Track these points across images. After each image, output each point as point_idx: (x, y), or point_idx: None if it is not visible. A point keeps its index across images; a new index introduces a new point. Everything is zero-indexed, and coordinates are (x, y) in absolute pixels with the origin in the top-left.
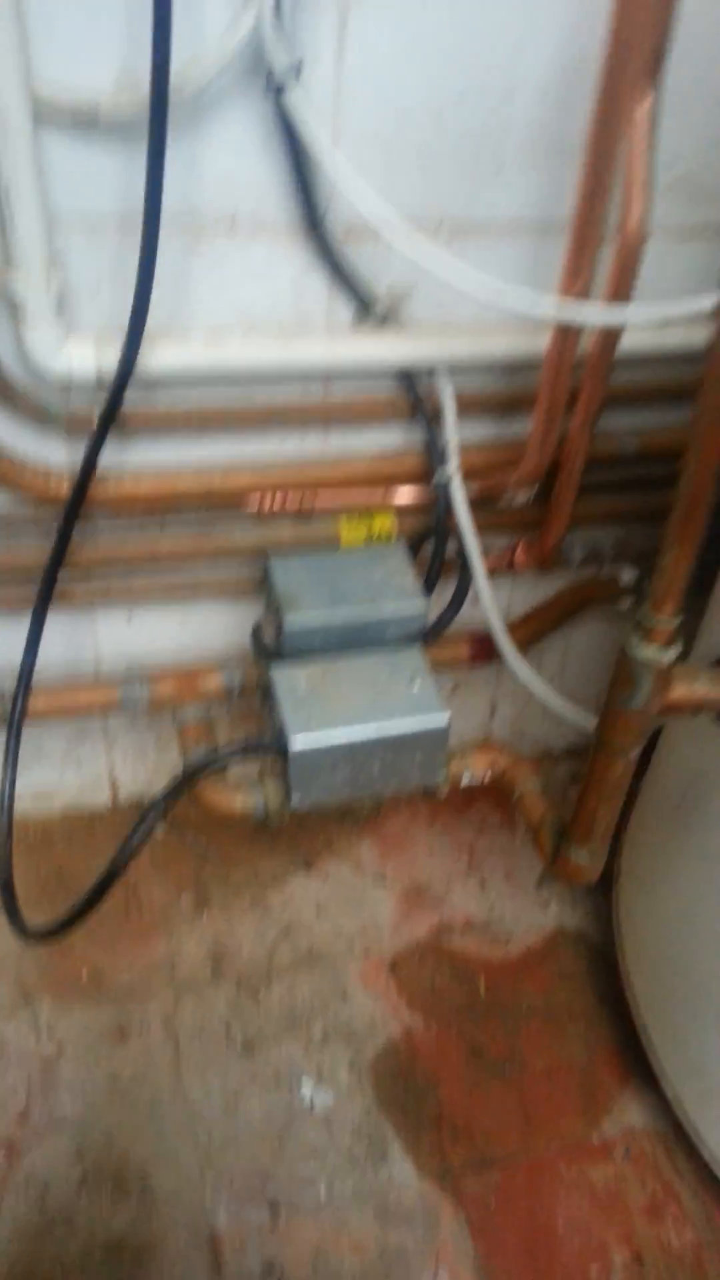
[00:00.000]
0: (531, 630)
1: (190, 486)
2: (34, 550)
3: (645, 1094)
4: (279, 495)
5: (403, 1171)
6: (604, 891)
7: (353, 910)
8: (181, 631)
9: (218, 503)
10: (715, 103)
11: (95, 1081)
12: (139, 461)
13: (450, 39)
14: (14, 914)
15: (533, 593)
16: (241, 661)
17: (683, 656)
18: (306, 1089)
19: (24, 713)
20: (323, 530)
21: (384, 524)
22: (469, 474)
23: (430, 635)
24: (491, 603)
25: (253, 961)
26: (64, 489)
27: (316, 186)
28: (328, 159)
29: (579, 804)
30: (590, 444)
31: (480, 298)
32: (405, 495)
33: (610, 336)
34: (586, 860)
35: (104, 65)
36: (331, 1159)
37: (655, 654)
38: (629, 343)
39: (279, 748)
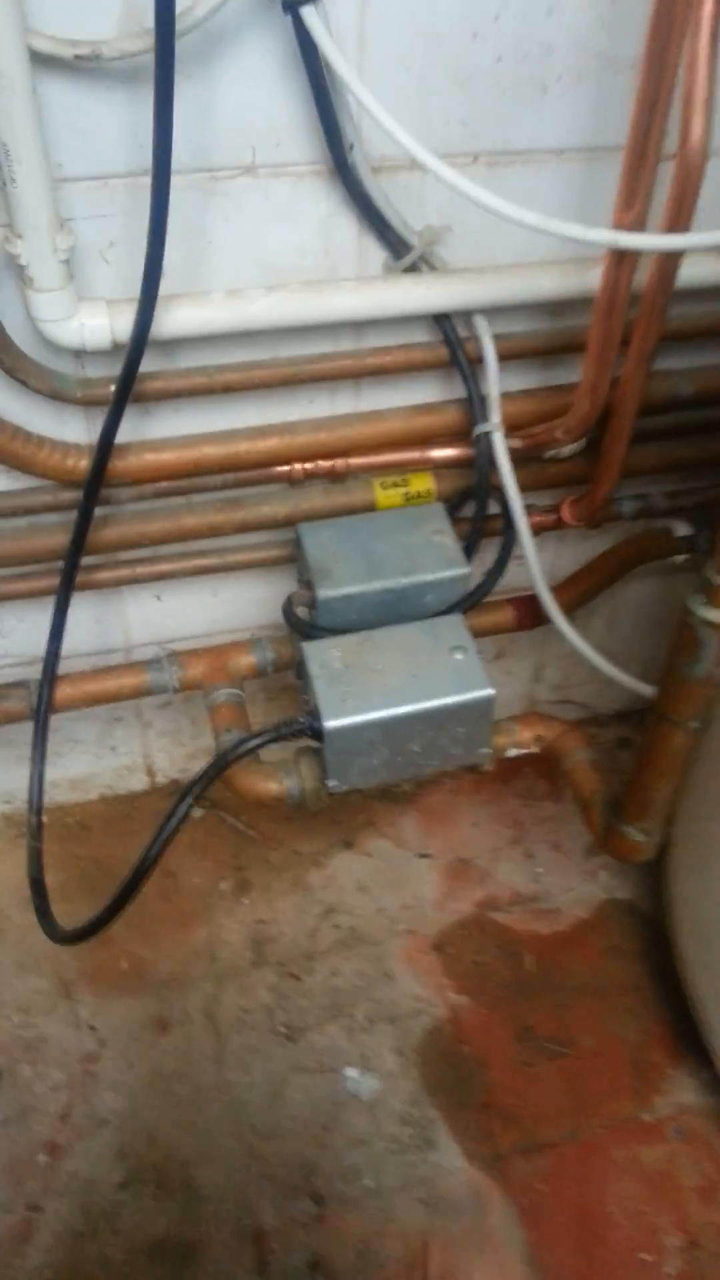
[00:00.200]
0: (580, 591)
1: (215, 455)
2: (57, 534)
3: (699, 1072)
4: (309, 460)
5: (450, 1158)
6: (656, 861)
7: (396, 888)
8: (213, 607)
9: (245, 471)
10: None
11: (137, 1076)
12: (161, 432)
13: None
14: (45, 914)
15: (580, 550)
16: (276, 636)
17: None
18: (351, 1075)
19: (50, 705)
20: (357, 495)
21: (422, 485)
22: (512, 427)
23: (472, 602)
24: (537, 565)
25: (294, 945)
26: (83, 467)
27: (342, 118)
28: (353, 84)
29: (634, 779)
30: (644, 388)
31: (527, 224)
32: (444, 453)
33: (668, 267)
34: (641, 838)
35: (105, 11)
36: (377, 1147)
37: None
38: (688, 274)
39: (313, 731)
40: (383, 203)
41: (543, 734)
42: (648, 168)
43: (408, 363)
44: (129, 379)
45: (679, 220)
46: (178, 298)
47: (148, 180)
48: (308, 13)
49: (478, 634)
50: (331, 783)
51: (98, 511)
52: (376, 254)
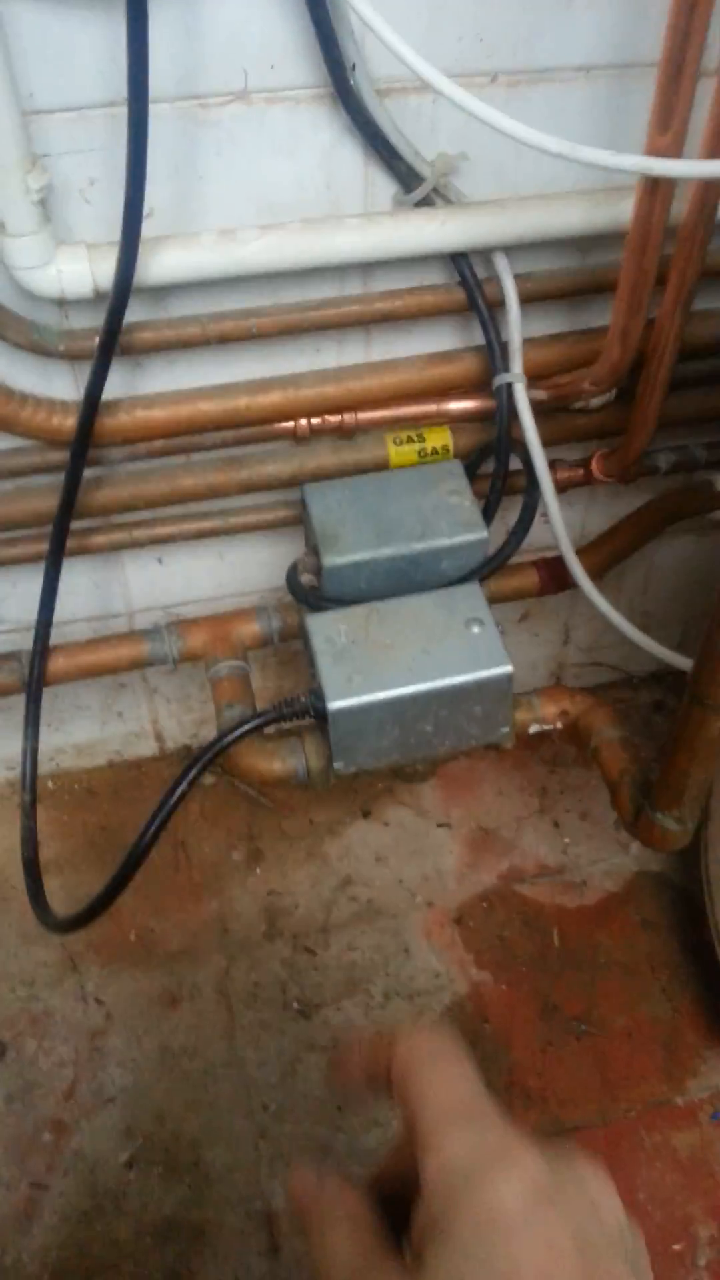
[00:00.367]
0: (610, 552)
1: (213, 411)
2: (47, 497)
3: None
4: (316, 415)
5: None
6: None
7: (415, 859)
8: (219, 570)
9: (246, 428)
10: None
11: (145, 1053)
12: (154, 387)
13: None
14: (39, 899)
15: (611, 508)
16: (285, 601)
17: None
18: None
19: (42, 678)
20: (367, 451)
21: (438, 440)
22: (536, 376)
23: (490, 569)
24: (562, 525)
25: (309, 917)
26: (69, 425)
27: (342, 35)
28: None
29: (667, 763)
30: (683, 330)
31: (550, 151)
32: (462, 405)
33: (709, 196)
34: (675, 826)
35: None
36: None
37: None
38: None
39: (316, 712)
40: (390, 129)
41: (568, 709)
42: (685, 85)
43: (421, 307)
44: (113, 330)
45: None
46: (165, 240)
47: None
48: None
49: (499, 599)
50: (337, 765)
51: (89, 473)
52: (385, 187)
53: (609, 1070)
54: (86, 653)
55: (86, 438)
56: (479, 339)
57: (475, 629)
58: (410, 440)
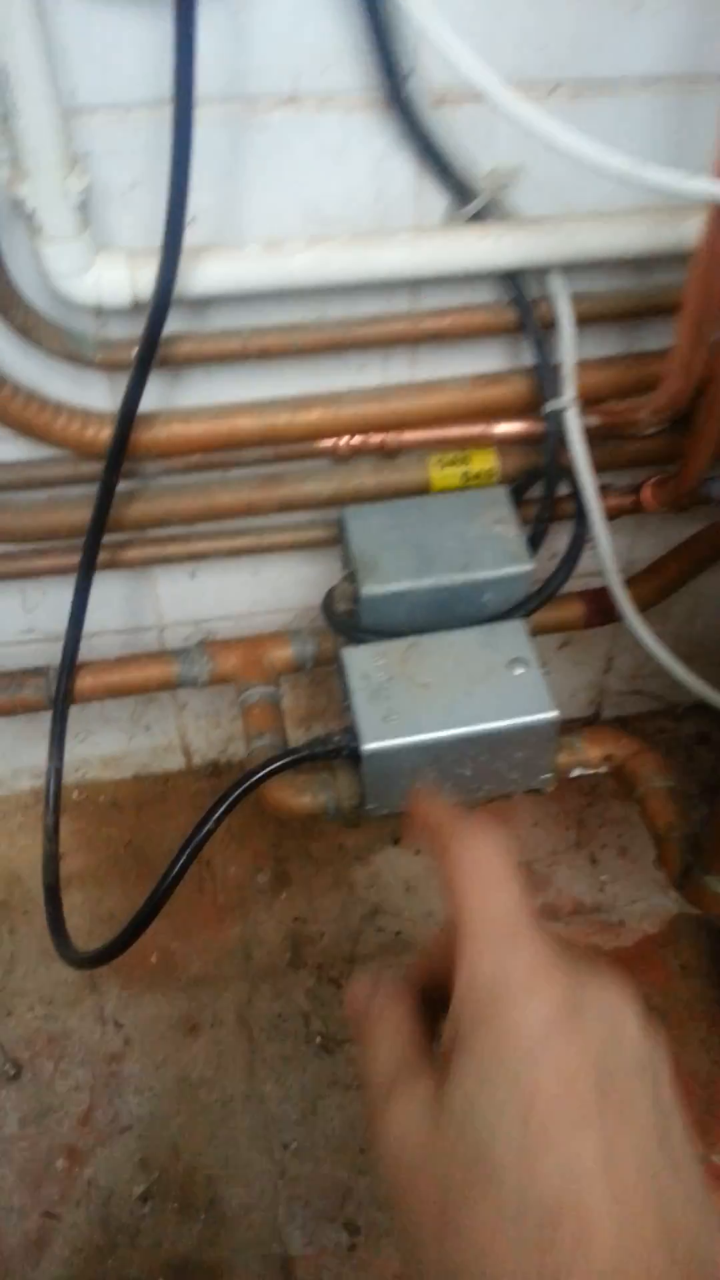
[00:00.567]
0: (659, 584)
1: (251, 427)
2: (80, 509)
3: None
4: (357, 434)
5: None
6: None
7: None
8: (253, 587)
9: (285, 445)
10: None
11: (163, 1081)
12: (191, 401)
13: None
14: (59, 930)
15: (660, 537)
16: (319, 625)
17: None
18: None
19: (69, 697)
20: (410, 473)
21: (483, 464)
22: (588, 400)
23: (536, 605)
24: (611, 556)
25: (335, 947)
26: (104, 437)
27: (397, 40)
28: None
29: (715, 821)
30: None
31: (614, 171)
32: (509, 429)
33: None
34: None
35: None
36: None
37: None
38: None
39: (350, 751)
40: (445, 140)
41: (613, 753)
42: None
43: (470, 327)
44: (152, 342)
45: None
46: (208, 250)
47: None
48: None
49: (541, 630)
50: (370, 806)
51: (124, 486)
52: (437, 200)
53: None
54: (115, 671)
55: (121, 451)
56: (528, 360)
57: (519, 670)
58: (454, 463)
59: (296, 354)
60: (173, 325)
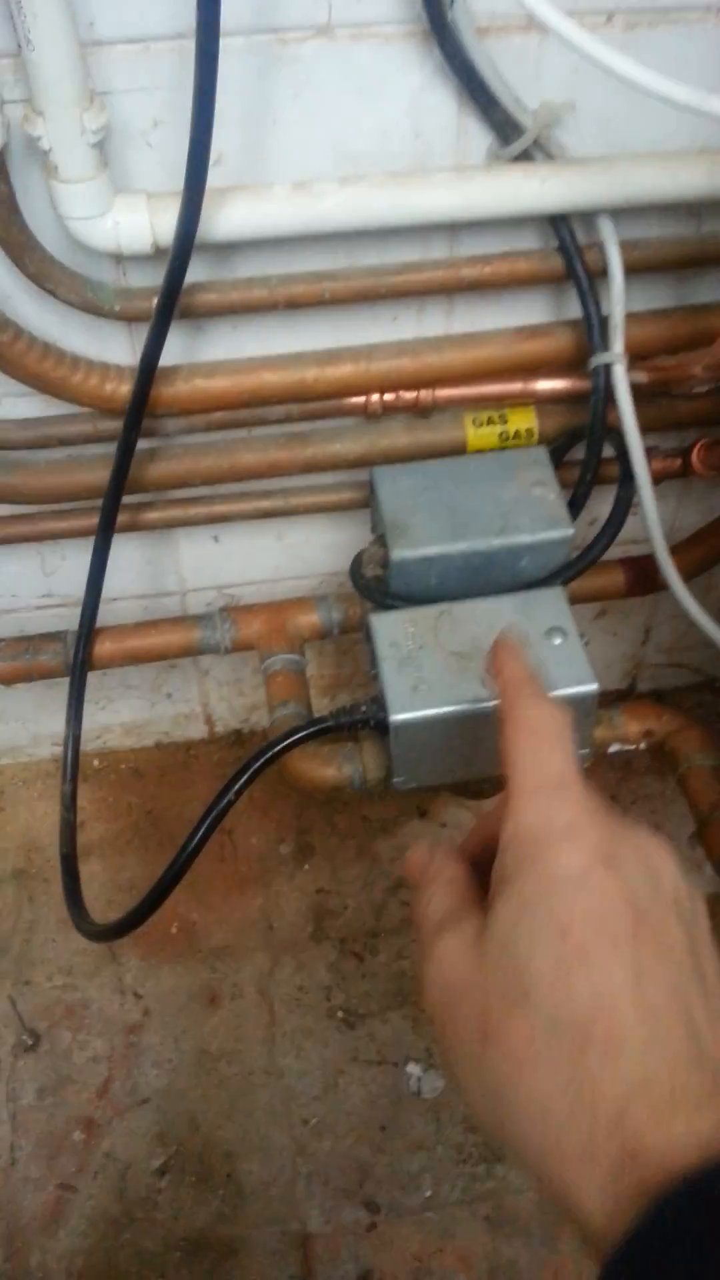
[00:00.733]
0: (705, 553)
1: (278, 382)
2: (99, 468)
3: None
4: (390, 390)
5: (519, 1175)
6: None
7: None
8: (278, 552)
9: (313, 402)
10: None
11: (182, 1053)
12: (215, 354)
13: None
14: (76, 900)
15: (706, 503)
16: (346, 590)
17: None
18: (414, 1071)
19: (87, 663)
20: (444, 433)
21: (522, 423)
22: (636, 355)
23: (576, 571)
24: (657, 522)
25: (358, 920)
26: (123, 393)
27: None
28: None
29: None
30: None
31: (677, 102)
32: (551, 386)
33: None
34: None
35: None
36: (439, 1154)
37: None
38: None
39: (377, 722)
40: (489, 73)
41: (654, 729)
42: None
43: (513, 275)
44: (173, 291)
45: None
46: (233, 191)
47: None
48: None
49: (579, 599)
50: (397, 780)
51: (144, 445)
52: (480, 138)
53: None
54: (134, 637)
55: (141, 407)
56: (573, 312)
57: (557, 640)
58: (492, 422)
59: (326, 304)
60: (196, 273)
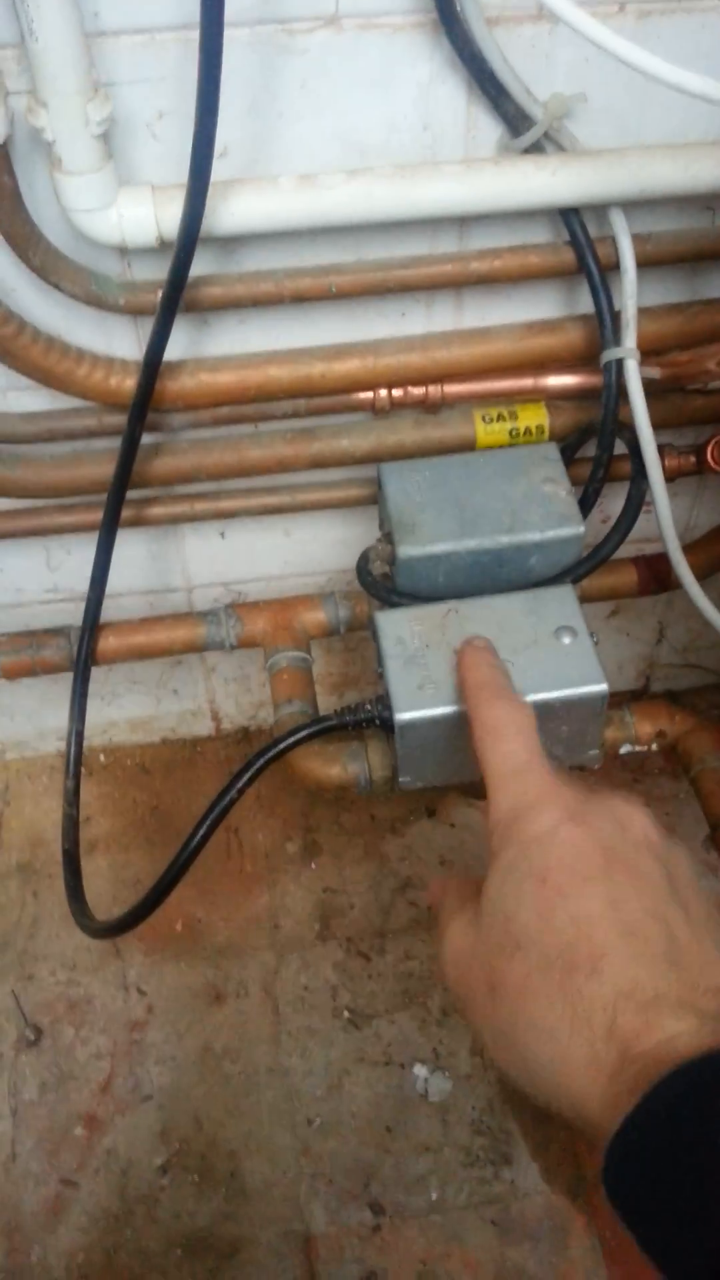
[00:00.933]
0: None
1: (284, 377)
2: (104, 463)
3: None
4: (398, 385)
5: (527, 1179)
6: None
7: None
8: (285, 548)
9: (320, 397)
10: None
11: (185, 1050)
12: (221, 349)
13: None
14: (77, 895)
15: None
16: (354, 588)
17: None
18: (421, 1073)
19: (90, 658)
20: (453, 429)
21: (533, 419)
22: (648, 350)
23: (586, 570)
24: (670, 520)
25: (365, 920)
26: (128, 387)
27: None
28: None
29: None
30: None
31: (690, 90)
32: (562, 381)
33: None
34: None
35: None
36: (446, 1157)
37: None
38: None
39: (382, 721)
40: (499, 64)
41: (666, 730)
42: None
43: (523, 269)
44: (177, 284)
45: None
46: (238, 183)
47: None
48: None
49: (590, 598)
50: (403, 779)
51: (149, 439)
52: (490, 130)
53: None
54: (139, 632)
55: (145, 402)
56: (584, 307)
57: (567, 639)
58: (501, 418)
59: (333, 298)
60: (201, 266)
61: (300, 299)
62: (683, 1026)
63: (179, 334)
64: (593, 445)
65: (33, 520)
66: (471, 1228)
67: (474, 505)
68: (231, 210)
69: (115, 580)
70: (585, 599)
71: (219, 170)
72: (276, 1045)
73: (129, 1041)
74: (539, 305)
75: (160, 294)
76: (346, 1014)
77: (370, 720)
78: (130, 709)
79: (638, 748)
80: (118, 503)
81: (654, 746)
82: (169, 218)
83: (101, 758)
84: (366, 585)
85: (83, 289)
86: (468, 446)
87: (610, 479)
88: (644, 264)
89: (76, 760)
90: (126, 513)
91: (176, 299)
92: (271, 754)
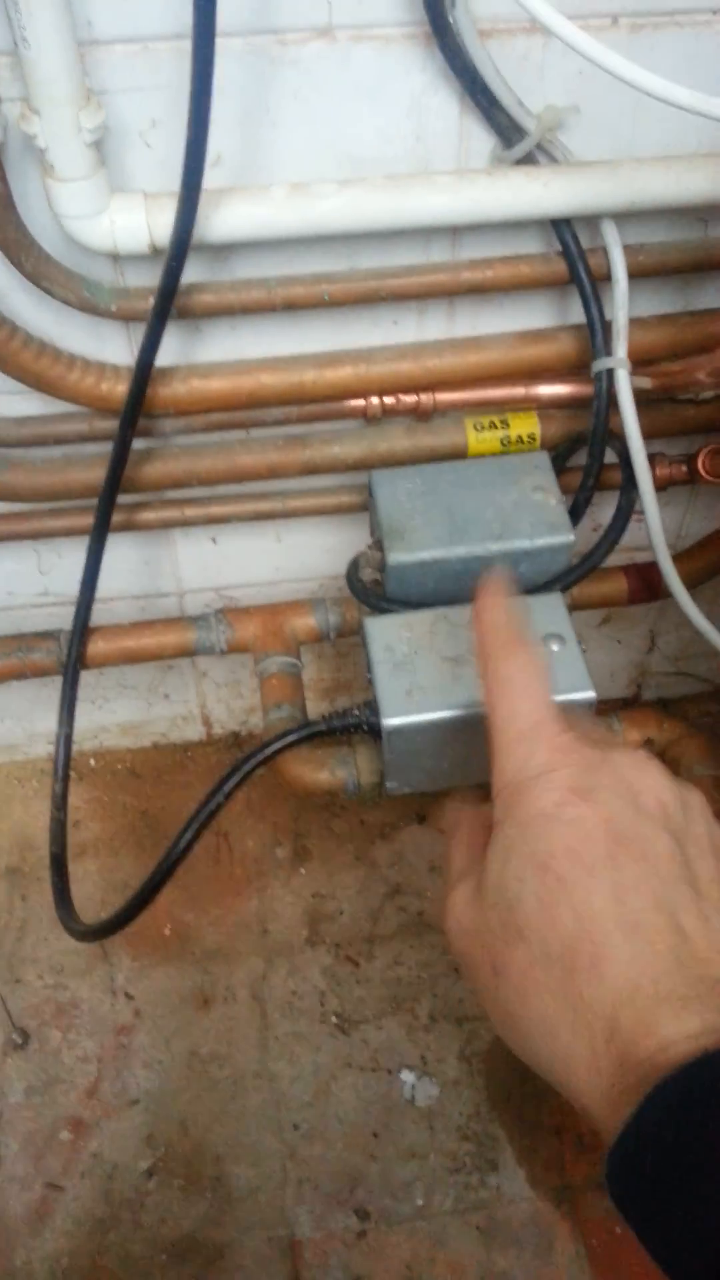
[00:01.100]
0: (712, 559)
1: (276, 384)
2: (95, 467)
3: None
4: (389, 393)
5: (514, 1185)
6: None
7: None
8: (276, 554)
9: (312, 404)
10: None
11: (173, 1055)
12: (214, 355)
13: None
14: (64, 899)
15: (714, 509)
16: (344, 594)
17: None
18: (408, 1078)
19: (80, 661)
20: (445, 437)
21: (524, 428)
22: (640, 360)
23: (576, 578)
24: (660, 529)
25: (354, 925)
26: (120, 392)
27: None
28: None
29: None
30: None
31: (678, 104)
32: (553, 391)
33: None
34: None
35: None
36: (432, 1162)
37: None
38: None
39: (370, 727)
40: (492, 76)
41: (654, 737)
42: None
43: (515, 279)
44: (169, 290)
45: None
46: (230, 192)
47: None
48: None
49: (581, 606)
50: (390, 785)
51: (140, 445)
52: (482, 141)
53: None
54: (129, 637)
55: (136, 407)
56: (575, 317)
57: (555, 646)
58: (493, 426)
59: (325, 306)
60: (193, 274)
61: (292, 306)
62: (683, 1029)
63: (171, 340)
64: (585, 454)
65: (24, 524)
66: (457, 1233)
67: (464, 513)
68: (224, 218)
69: (107, 585)
70: (576, 607)
71: (211, 179)
72: (264, 1050)
73: (116, 1046)
74: (531, 315)
75: (152, 300)
76: (334, 1019)
77: (358, 725)
78: (121, 713)
79: None
80: (108, 507)
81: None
82: (161, 225)
83: (92, 762)
84: (356, 591)
85: (75, 295)
86: (459, 454)
87: (602, 488)
88: (636, 275)
89: (65, 764)
90: (118, 517)
91: (168, 306)
92: (259, 758)
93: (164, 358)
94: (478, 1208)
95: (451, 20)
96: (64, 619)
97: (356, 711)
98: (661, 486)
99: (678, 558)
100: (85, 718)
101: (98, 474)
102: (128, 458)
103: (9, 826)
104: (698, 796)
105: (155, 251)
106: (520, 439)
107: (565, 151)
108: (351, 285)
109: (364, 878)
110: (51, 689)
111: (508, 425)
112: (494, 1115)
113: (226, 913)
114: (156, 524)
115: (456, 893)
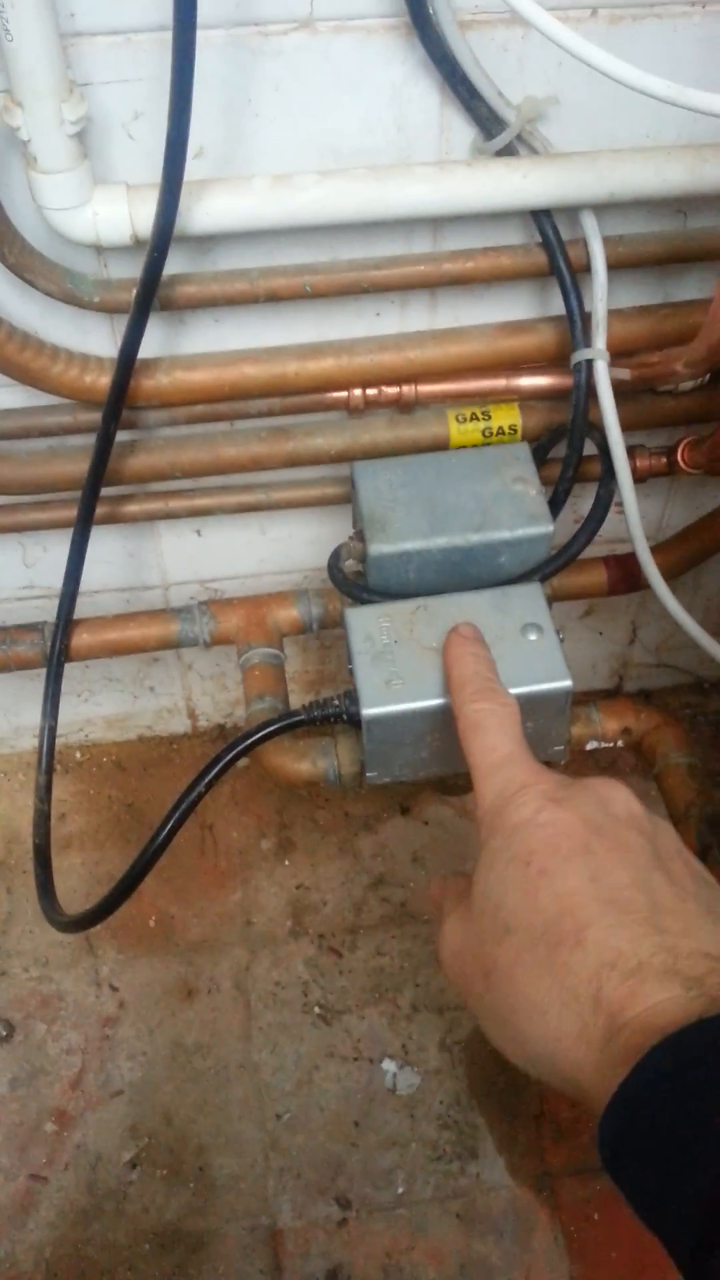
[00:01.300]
0: (690, 551)
1: (258, 375)
2: (79, 460)
3: None
4: (372, 385)
5: (493, 1172)
6: None
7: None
8: (261, 546)
9: (294, 396)
10: None
11: (157, 1046)
12: (196, 347)
13: None
14: (47, 890)
15: (694, 501)
16: (328, 586)
17: None
18: (390, 1068)
19: (65, 654)
20: (426, 428)
21: (505, 419)
22: (619, 352)
23: (554, 568)
24: (639, 520)
25: (337, 916)
26: (103, 384)
27: None
28: None
29: None
30: None
31: (654, 94)
32: (534, 382)
33: None
34: None
35: None
36: (413, 1151)
37: None
38: None
39: (349, 716)
40: (472, 67)
41: (631, 727)
42: None
43: (496, 270)
44: (151, 282)
45: None
46: (212, 183)
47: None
48: None
49: (561, 597)
50: (370, 774)
51: (124, 437)
52: (463, 132)
53: None
54: (113, 629)
55: (119, 399)
56: (556, 308)
57: (533, 636)
58: (475, 418)
59: (307, 298)
60: (176, 265)
61: (275, 298)
62: (667, 994)
63: (154, 332)
64: (565, 446)
65: (8, 517)
66: (437, 1221)
67: (445, 504)
68: (206, 210)
69: (91, 577)
70: (556, 598)
71: (194, 170)
72: (247, 1041)
73: (100, 1037)
74: (512, 306)
75: (135, 292)
76: (317, 1010)
77: (338, 715)
78: (107, 706)
79: (603, 744)
80: (92, 499)
81: (619, 743)
82: (144, 216)
83: (78, 755)
84: (337, 582)
85: (58, 287)
86: (441, 446)
87: (582, 479)
88: (615, 266)
89: (49, 755)
90: (102, 510)
91: (150, 297)
92: (239, 748)
93: (147, 349)
94: (458, 1195)
95: (432, 11)
96: (48, 612)
97: (337, 701)
98: (641, 478)
99: (657, 549)
100: (71, 711)
101: (82, 466)
102: (111, 450)
103: None
104: (667, 823)
105: (138, 243)
106: (502, 430)
107: (545, 143)
108: (334, 277)
109: (347, 869)
110: (37, 682)
111: (489, 417)
112: (474, 1104)
113: (211, 904)
114: (141, 516)
115: (447, 923)
